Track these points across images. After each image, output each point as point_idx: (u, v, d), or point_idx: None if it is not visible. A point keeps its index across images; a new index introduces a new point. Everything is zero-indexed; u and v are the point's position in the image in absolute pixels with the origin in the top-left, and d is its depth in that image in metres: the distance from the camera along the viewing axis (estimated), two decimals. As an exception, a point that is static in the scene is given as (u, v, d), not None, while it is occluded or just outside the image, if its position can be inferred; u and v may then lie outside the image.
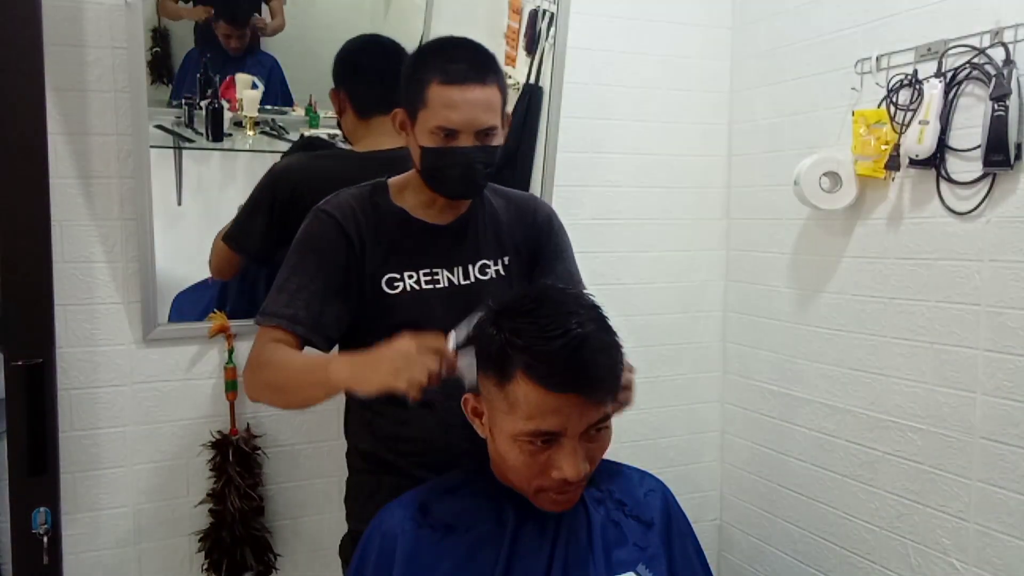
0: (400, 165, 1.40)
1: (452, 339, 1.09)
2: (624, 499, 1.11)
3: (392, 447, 1.34)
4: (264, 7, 1.78)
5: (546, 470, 0.97)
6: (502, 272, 1.39)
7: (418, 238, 1.33)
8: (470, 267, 1.36)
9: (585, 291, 1.40)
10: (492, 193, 1.43)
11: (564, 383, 0.93)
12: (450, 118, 1.22)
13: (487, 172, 1.29)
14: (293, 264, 1.29)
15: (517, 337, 0.95)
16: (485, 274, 1.37)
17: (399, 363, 1.05)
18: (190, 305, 1.77)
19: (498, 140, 1.29)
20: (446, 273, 1.34)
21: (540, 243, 1.43)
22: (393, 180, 1.37)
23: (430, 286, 1.33)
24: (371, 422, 1.37)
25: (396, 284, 1.31)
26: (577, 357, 0.93)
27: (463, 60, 1.23)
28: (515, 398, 0.96)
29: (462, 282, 1.35)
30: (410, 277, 1.32)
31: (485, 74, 1.24)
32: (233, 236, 1.68)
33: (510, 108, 1.34)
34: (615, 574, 1.03)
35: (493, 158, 1.28)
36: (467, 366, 1.07)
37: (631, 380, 1.12)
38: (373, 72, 1.62)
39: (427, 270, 1.33)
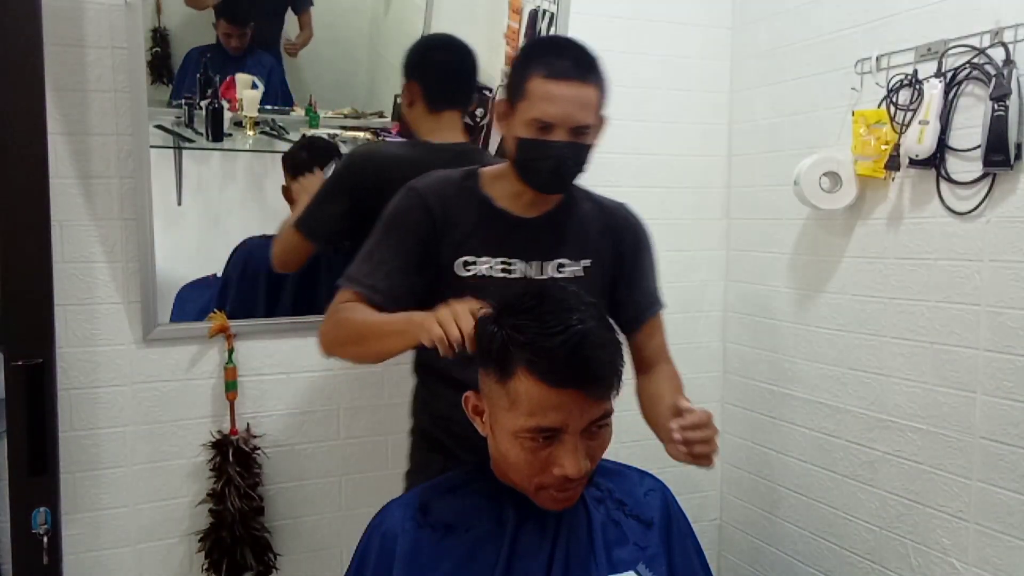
0: (467, 159, 1.48)
1: None
2: (624, 499, 1.11)
3: (445, 427, 1.39)
4: (288, 19, 1.81)
5: (547, 467, 0.97)
6: (580, 274, 1.39)
7: (499, 227, 1.35)
8: (547, 264, 1.37)
9: (662, 308, 1.46)
10: (584, 196, 1.43)
11: (565, 379, 0.93)
12: (547, 111, 1.24)
13: (577, 169, 1.32)
14: (379, 237, 1.35)
15: (518, 334, 0.95)
16: (562, 273, 1.37)
17: (438, 316, 1.09)
18: (192, 301, 1.77)
19: (592, 139, 1.31)
20: (522, 265, 1.35)
21: (623, 255, 1.43)
22: (485, 169, 1.40)
23: (503, 275, 1.34)
24: (428, 402, 1.44)
25: (470, 267, 1.34)
26: (578, 353, 0.93)
27: (568, 57, 1.26)
28: (516, 395, 0.96)
29: (537, 277, 1.36)
30: (485, 263, 1.34)
31: (587, 73, 1.27)
32: (306, 222, 1.65)
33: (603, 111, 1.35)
34: (615, 573, 1.03)
35: (584, 156, 1.31)
36: None
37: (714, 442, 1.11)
38: (447, 69, 1.66)
39: (503, 259, 1.35)
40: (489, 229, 1.35)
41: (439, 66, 1.66)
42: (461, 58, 1.68)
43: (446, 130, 1.65)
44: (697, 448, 1.09)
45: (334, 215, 1.61)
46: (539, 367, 0.93)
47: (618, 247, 1.43)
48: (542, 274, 1.36)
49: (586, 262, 1.39)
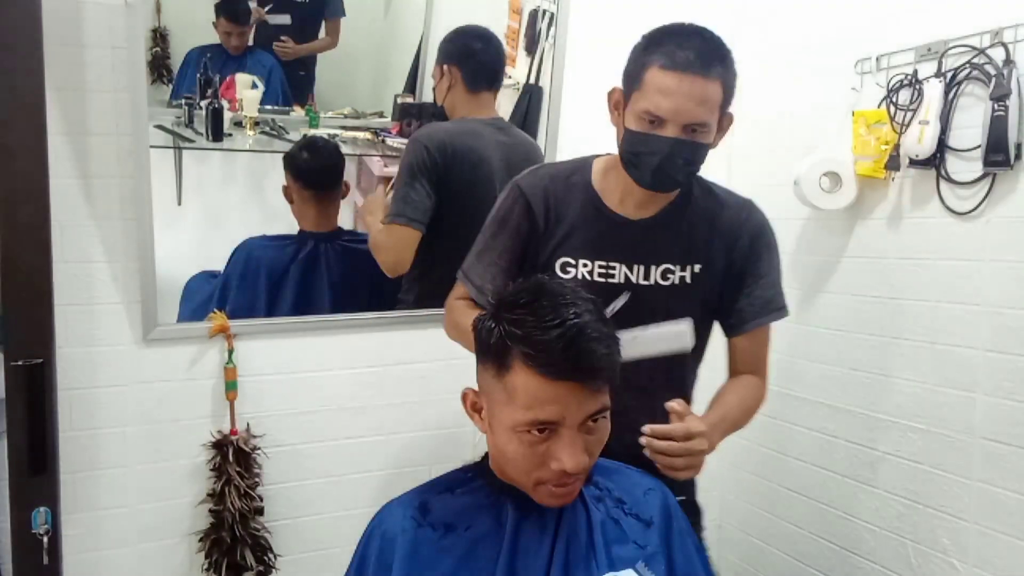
0: (505, 131, 1.71)
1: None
2: (624, 497, 1.11)
3: None
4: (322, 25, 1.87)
5: (545, 462, 0.97)
6: (688, 280, 1.31)
7: (603, 228, 1.29)
8: (652, 268, 1.30)
9: (777, 318, 1.39)
10: (705, 193, 1.35)
11: (561, 371, 0.93)
12: (660, 104, 1.17)
13: (688, 169, 1.24)
14: (488, 236, 1.34)
15: (515, 328, 0.95)
16: (667, 279, 1.30)
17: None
18: (200, 292, 1.79)
19: (707, 138, 1.22)
20: (624, 269, 1.29)
21: (739, 259, 1.34)
22: (599, 159, 1.34)
23: (602, 279, 1.29)
24: None
25: (569, 269, 1.29)
26: (574, 346, 0.93)
27: (692, 48, 1.17)
28: (513, 388, 0.96)
29: (640, 282, 1.29)
30: (584, 266, 1.29)
31: (710, 67, 1.18)
32: (403, 213, 1.75)
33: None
34: (615, 571, 1.03)
35: (698, 155, 1.23)
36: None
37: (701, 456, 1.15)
38: (484, 55, 1.86)
39: (603, 262, 1.28)
40: (592, 229, 1.28)
41: (477, 54, 1.85)
42: (496, 46, 1.89)
43: (484, 108, 1.86)
44: (660, 459, 1.13)
45: (422, 196, 1.74)
46: (535, 360, 0.94)
47: (733, 250, 1.33)
48: (647, 279, 1.29)
49: (696, 267, 1.31)
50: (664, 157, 1.20)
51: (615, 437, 1.10)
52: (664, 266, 1.30)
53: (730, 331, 1.38)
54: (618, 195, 1.29)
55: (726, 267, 1.34)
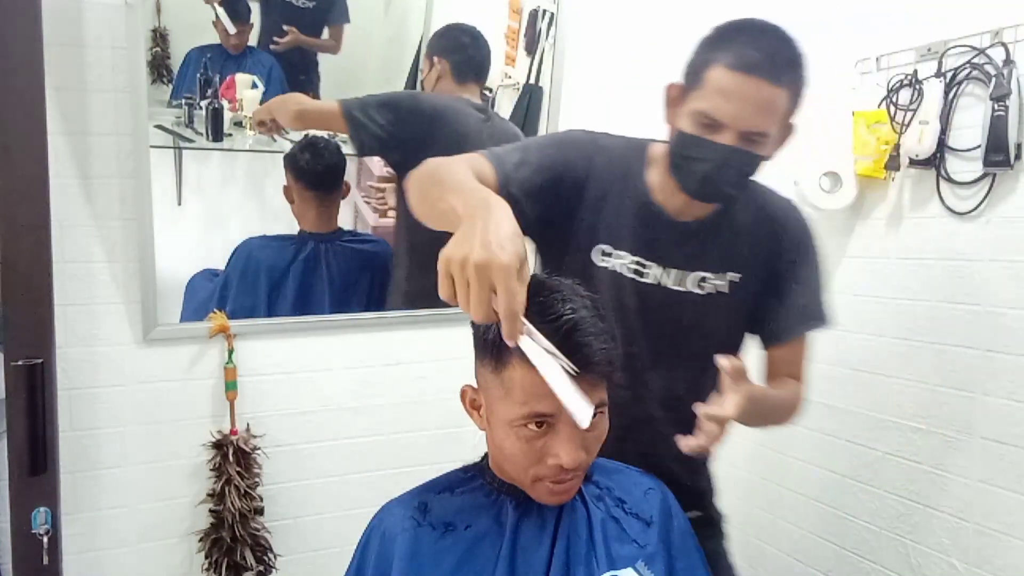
0: (485, 110, 1.81)
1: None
2: (624, 497, 1.11)
3: None
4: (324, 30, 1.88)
5: (543, 458, 0.97)
6: (724, 290, 1.23)
7: (648, 223, 1.20)
8: (687, 275, 1.21)
9: (817, 328, 1.26)
10: (748, 197, 1.24)
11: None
12: (719, 107, 1.07)
13: (739, 180, 1.14)
14: (540, 144, 1.20)
15: None
16: (703, 289, 1.22)
17: (475, 264, 0.82)
18: (202, 289, 1.79)
19: (766, 149, 1.12)
20: (658, 270, 1.21)
21: (780, 266, 1.25)
22: (655, 146, 1.23)
23: (633, 275, 1.21)
24: None
25: (606, 258, 1.20)
26: (569, 340, 0.93)
27: (764, 49, 1.08)
28: (511, 383, 0.96)
29: (672, 287, 1.21)
30: (621, 258, 1.20)
31: (781, 72, 1.08)
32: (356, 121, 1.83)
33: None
34: (615, 569, 1.03)
35: (751, 167, 1.12)
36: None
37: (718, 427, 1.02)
38: (473, 49, 1.96)
39: (641, 259, 1.20)
40: (636, 221, 1.19)
41: (464, 48, 1.95)
42: (483, 43, 1.97)
43: (467, 96, 1.93)
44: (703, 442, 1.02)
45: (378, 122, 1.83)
46: None
47: (773, 258, 1.25)
48: (680, 285, 1.22)
49: (733, 276, 1.23)
50: (715, 166, 1.10)
51: (645, 449, 1.07)
52: (701, 274, 1.22)
53: (767, 341, 1.30)
54: (665, 193, 1.20)
55: (766, 275, 1.25)
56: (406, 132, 1.84)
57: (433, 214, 1.01)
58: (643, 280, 1.21)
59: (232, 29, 1.74)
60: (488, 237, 0.83)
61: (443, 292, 0.86)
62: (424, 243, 1.84)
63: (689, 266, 1.22)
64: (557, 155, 1.18)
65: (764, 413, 1.19)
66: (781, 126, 1.13)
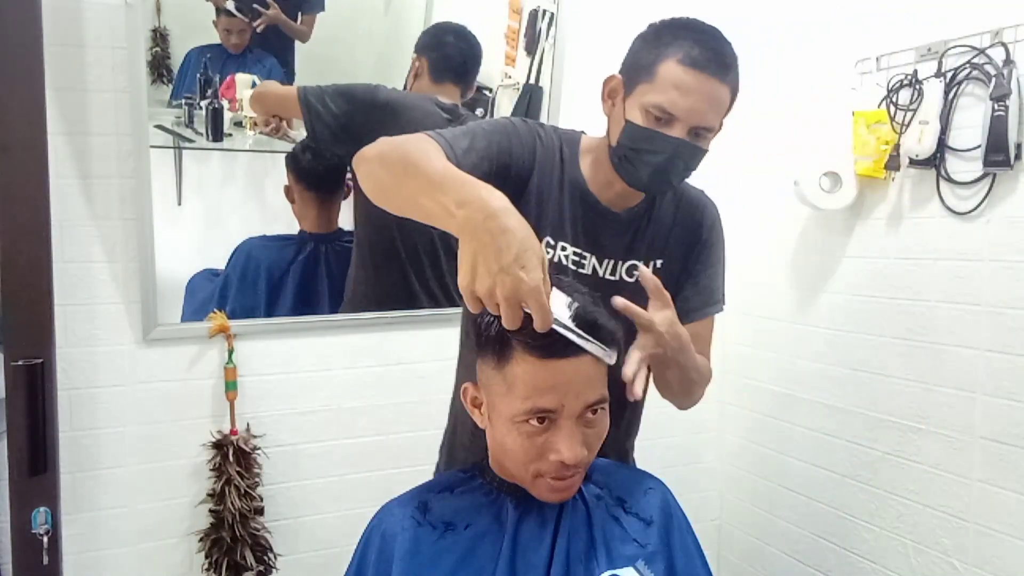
0: (457, 114, 1.75)
1: (560, 300, 0.95)
2: (624, 496, 1.12)
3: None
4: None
5: (544, 454, 0.98)
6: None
7: (586, 214, 1.22)
8: (620, 264, 1.25)
9: (718, 311, 1.33)
10: None
11: (559, 350, 0.94)
12: (676, 102, 1.10)
13: (685, 174, 1.19)
14: (482, 128, 1.16)
15: None
16: (632, 276, 1.25)
17: (508, 260, 0.84)
18: (202, 290, 1.78)
19: (707, 144, 1.17)
20: (594, 261, 1.24)
21: (693, 250, 1.31)
22: (585, 138, 1.27)
23: (573, 267, 1.23)
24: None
25: (549, 250, 1.21)
26: (582, 320, 0.95)
27: (711, 49, 1.12)
28: (513, 378, 0.97)
29: (607, 276, 1.25)
30: (563, 249, 1.22)
31: (727, 72, 1.13)
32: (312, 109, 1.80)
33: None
34: (616, 568, 1.03)
35: (697, 161, 1.17)
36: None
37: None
38: (452, 48, 1.92)
39: (579, 250, 1.23)
40: (578, 213, 1.21)
41: (444, 47, 1.91)
42: (468, 43, 1.93)
43: (444, 97, 1.89)
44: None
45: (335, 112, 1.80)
46: (534, 344, 0.94)
47: (694, 243, 1.31)
48: (613, 275, 1.25)
49: (657, 262, 1.28)
50: (668, 158, 1.13)
51: None
52: (631, 262, 1.26)
53: (682, 320, 1.28)
54: (600, 183, 1.22)
55: (686, 259, 1.31)
56: (357, 123, 1.78)
57: (409, 207, 0.98)
58: (582, 271, 1.23)
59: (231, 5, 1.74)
60: (508, 259, 0.84)
61: (474, 310, 0.90)
62: (383, 241, 1.86)
63: (623, 255, 1.25)
64: (504, 144, 1.17)
65: (683, 362, 1.18)
66: (721, 122, 1.17)
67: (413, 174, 0.97)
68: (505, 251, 0.84)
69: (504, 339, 0.97)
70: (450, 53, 1.91)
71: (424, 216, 0.95)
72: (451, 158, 1.06)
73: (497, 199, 0.88)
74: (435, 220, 0.93)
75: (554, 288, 0.94)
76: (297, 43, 1.84)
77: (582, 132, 1.29)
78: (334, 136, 1.79)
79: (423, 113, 1.85)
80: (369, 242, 1.88)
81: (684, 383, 1.24)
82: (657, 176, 1.16)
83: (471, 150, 1.11)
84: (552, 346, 0.94)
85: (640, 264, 1.26)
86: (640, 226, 1.26)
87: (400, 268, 1.90)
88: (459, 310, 1.43)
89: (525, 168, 1.19)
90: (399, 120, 1.83)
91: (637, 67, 1.15)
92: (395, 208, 1.02)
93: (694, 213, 1.31)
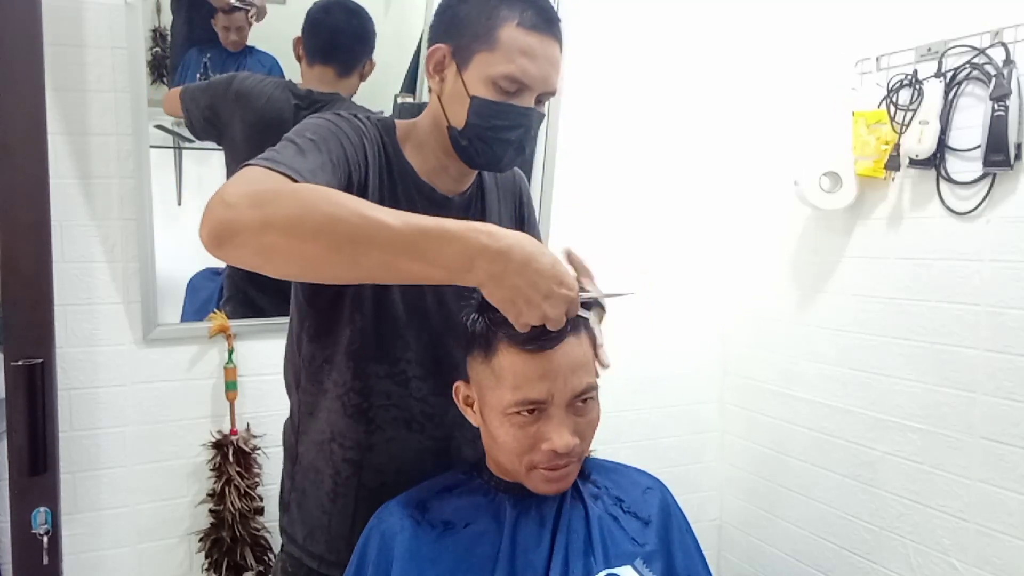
0: (322, 104, 1.62)
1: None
2: (622, 496, 1.12)
3: (351, 478, 1.14)
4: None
5: (536, 444, 0.99)
6: None
7: (425, 207, 1.09)
8: None
9: None
10: None
11: (543, 342, 0.96)
12: (527, 70, 1.00)
13: (532, 145, 1.14)
14: (304, 135, 0.99)
15: (497, 314, 0.97)
16: None
17: (550, 285, 0.85)
18: (204, 289, 1.78)
19: (543, 110, 1.08)
20: None
21: (518, 211, 1.28)
22: (400, 123, 1.13)
23: None
24: (332, 452, 1.18)
25: None
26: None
27: (541, 7, 1.03)
28: (501, 371, 0.98)
29: None
30: None
31: (558, 30, 1.04)
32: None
33: None
34: (614, 566, 1.03)
35: (538, 129, 1.10)
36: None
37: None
38: (322, 25, 1.79)
39: None
40: (414, 205, 1.08)
41: (317, 26, 1.78)
42: (344, 18, 1.80)
43: (315, 83, 1.79)
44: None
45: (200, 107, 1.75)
46: (517, 337, 0.96)
47: (520, 207, 1.28)
48: None
49: None
50: (524, 131, 1.04)
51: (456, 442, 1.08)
52: None
53: None
54: (431, 170, 1.11)
55: (518, 222, 1.27)
56: (218, 117, 1.73)
57: (377, 275, 0.86)
58: None
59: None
60: (546, 287, 0.86)
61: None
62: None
63: None
64: (341, 151, 1.02)
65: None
66: None
67: (365, 240, 0.81)
68: (540, 282, 0.85)
69: (489, 332, 0.99)
70: (318, 31, 1.78)
71: (405, 279, 0.86)
72: (299, 175, 0.91)
73: (500, 238, 0.83)
74: (425, 280, 0.85)
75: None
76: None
77: (390, 118, 1.14)
78: (205, 130, 1.75)
79: (272, 100, 1.75)
80: None
81: None
82: (514, 153, 1.06)
83: (320, 168, 0.95)
84: (537, 337, 0.95)
85: None
86: (477, 207, 1.18)
87: None
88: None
89: (363, 172, 1.05)
90: (245, 109, 1.75)
91: (469, 34, 1.02)
92: (345, 279, 0.94)
93: (510, 181, 1.25)
